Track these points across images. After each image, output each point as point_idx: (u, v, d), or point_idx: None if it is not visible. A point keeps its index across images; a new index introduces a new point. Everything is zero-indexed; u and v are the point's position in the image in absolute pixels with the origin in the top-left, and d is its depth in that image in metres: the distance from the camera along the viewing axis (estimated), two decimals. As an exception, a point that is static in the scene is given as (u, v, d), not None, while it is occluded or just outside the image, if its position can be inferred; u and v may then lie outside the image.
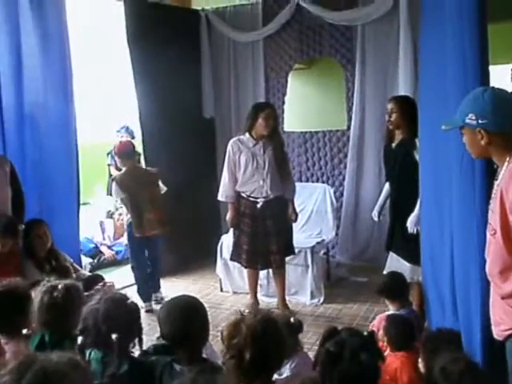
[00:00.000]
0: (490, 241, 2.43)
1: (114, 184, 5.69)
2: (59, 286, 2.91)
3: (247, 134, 5.18)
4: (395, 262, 4.70)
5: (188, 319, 2.48)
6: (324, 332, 2.38)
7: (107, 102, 11.72)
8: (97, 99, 11.02)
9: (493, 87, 2.50)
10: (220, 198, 5.35)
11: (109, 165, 8.44)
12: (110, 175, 8.49)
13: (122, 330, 2.47)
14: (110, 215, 8.05)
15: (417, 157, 4.43)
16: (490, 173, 2.67)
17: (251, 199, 5.16)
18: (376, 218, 5.10)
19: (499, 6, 4.48)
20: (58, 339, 2.76)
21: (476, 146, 2.46)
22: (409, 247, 4.57)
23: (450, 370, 2.11)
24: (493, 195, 2.41)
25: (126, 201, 5.60)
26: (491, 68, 2.88)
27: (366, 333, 2.37)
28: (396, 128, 4.70)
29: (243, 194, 5.21)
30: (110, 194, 8.24)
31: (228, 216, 5.33)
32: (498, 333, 2.44)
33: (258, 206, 5.14)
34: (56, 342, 2.69)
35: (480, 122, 2.37)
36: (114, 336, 2.43)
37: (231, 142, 5.26)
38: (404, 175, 4.64)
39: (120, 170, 8.29)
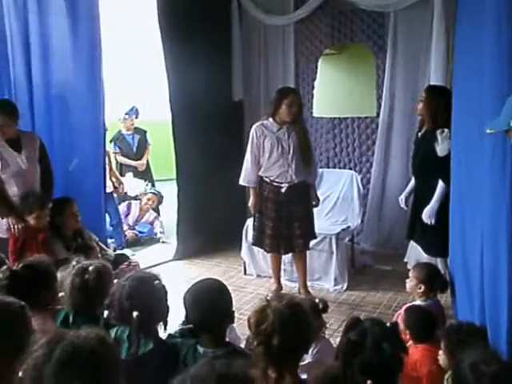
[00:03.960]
0: None
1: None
2: (90, 268, 2.94)
3: (271, 119, 5.14)
4: (415, 251, 4.72)
5: (214, 303, 2.49)
6: (347, 322, 2.38)
7: (136, 84, 11.63)
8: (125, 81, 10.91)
9: None
10: (242, 182, 5.31)
11: (115, 153, 8.22)
12: (117, 162, 8.31)
13: (143, 308, 2.48)
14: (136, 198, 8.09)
15: (437, 149, 4.44)
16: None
17: (275, 184, 5.15)
18: (402, 204, 5.10)
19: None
20: (84, 319, 2.79)
21: None
22: (426, 238, 4.60)
23: (483, 370, 2.03)
24: None
25: None
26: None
27: (388, 324, 2.36)
28: (423, 117, 4.69)
29: (266, 179, 5.18)
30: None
31: (250, 201, 5.31)
32: None
33: (282, 190, 5.12)
34: (81, 322, 2.72)
35: None
36: (134, 314, 2.45)
37: (255, 126, 5.22)
38: (424, 166, 4.65)
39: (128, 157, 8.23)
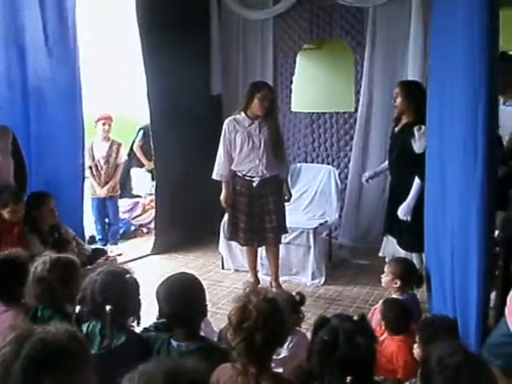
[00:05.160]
0: None
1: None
2: (47, 259, 2.89)
3: (243, 114, 5.13)
4: (391, 246, 4.75)
5: (186, 297, 2.49)
6: (315, 322, 2.36)
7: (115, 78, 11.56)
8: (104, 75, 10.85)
9: None
10: (214, 176, 5.29)
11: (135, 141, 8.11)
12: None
13: (116, 302, 2.48)
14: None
15: (414, 146, 4.45)
16: (491, 160, 2.65)
17: (247, 178, 5.15)
18: (364, 180, 5.22)
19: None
20: (51, 314, 2.77)
21: None
22: (401, 234, 4.63)
23: (447, 362, 2.05)
24: None
25: None
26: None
27: (356, 317, 2.36)
28: (401, 113, 4.70)
29: (239, 173, 5.18)
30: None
31: (222, 195, 5.28)
32: None
33: (254, 184, 5.12)
34: (48, 317, 2.71)
35: None
36: (107, 307, 2.45)
37: (227, 121, 5.22)
38: (400, 162, 4.67)
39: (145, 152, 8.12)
